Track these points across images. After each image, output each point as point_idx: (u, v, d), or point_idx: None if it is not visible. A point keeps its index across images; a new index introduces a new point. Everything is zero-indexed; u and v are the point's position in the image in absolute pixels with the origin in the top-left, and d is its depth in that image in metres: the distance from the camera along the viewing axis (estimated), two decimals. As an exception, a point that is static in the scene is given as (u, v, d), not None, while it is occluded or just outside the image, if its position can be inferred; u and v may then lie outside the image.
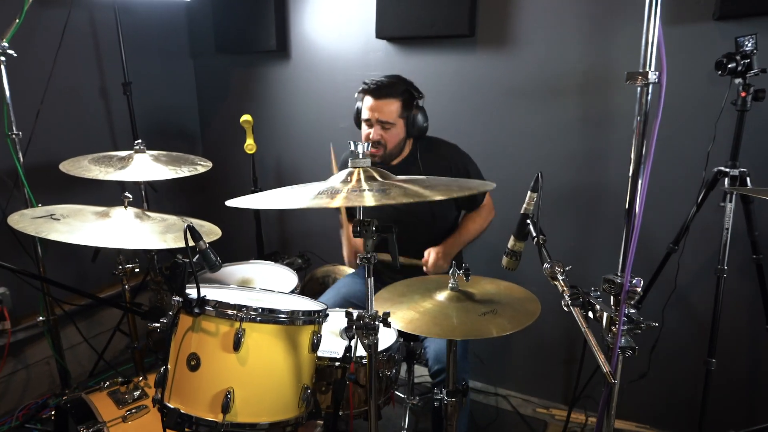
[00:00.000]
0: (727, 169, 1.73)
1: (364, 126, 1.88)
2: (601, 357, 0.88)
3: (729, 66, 1.64)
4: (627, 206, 0.83)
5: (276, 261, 2.29)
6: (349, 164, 1.09)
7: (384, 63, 2.52)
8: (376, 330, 1.08)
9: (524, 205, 1.17)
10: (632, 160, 0.81)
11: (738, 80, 1.66)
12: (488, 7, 2.23)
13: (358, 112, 1.92)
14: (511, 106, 2.28)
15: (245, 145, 2.63)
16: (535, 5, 2.15)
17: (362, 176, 1.06)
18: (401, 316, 1.24)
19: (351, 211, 2.13)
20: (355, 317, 1.10)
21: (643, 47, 0.78)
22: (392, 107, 1.79)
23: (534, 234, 1.12)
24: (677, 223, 1.90)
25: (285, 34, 2.76)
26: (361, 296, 1.99)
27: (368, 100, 1.81)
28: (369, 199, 0.97)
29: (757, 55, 1.63)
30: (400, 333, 1.61)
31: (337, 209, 2.14)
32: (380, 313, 1.10)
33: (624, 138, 2.05)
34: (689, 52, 1.91)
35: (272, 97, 2.90)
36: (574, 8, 2.09)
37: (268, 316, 1.19)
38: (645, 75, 0.76)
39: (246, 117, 2.57)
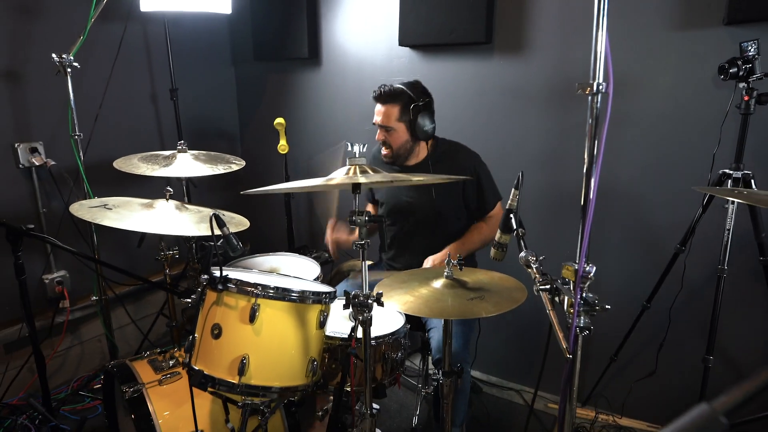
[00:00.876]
0: (731, 171, 1.76)
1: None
2: (560, 335, 0.99)
3: (731, 71, 1.68)
4: (582, 202, 0.93)
5: (304, 254, 2.47)
6: (347, 162, 1.25)
7: (407, 69, 2.67)
8: (369, 307, 1.23)
9: (509, 202, 1.29)
10: (585, 160, 0.92)
11: (742, 84, 1.70)
12: (504, 16, 2.34)
13: None
14: (525, 110, 2.37)
15: (278, 145, 2.84)
16: (548, 13, 2.24)
17: (357, 171, 1.23)
18: (399, 299, 1.38)
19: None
20: (351, 296, 1.25)
21: (592, 58, 0.89)
22: (391, 113, 1.94)
23: (514, 227, 1.24)
24: (685, 224, 1.94)
25: (316, 43, 2.95)
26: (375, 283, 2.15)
27: (376, 106, 1.99)
28: (360, 180, 1.18)
29: (760, 59, 1.66)
30: (408, 320, 1.74)
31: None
32: (374, 294, 1.24)
33: (632, 140, 2.12)
34: (698, 57, 1.95)
35: (304, 101, 3.10)
36: (587, 15, 2.15)
37: (281, 293, 1.36)
38: (592, 86, 0.87)
39: (279, 120, 2.77)
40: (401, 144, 1.98)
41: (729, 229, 1.77)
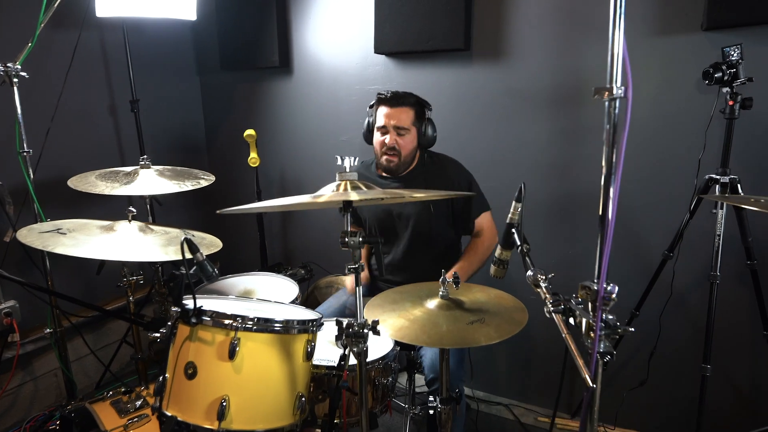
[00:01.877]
0: (718, 176, 1.75)
1: (377, 134, 1.95)
2: (580, 362, 0.91)
3: (716, 75, 1.67)
4: (600, 213, 0.86)
5: (279, 272, 2.33)
6: (337, 177, 1.14)
7: (383, 77, 2.58)
8: (365, 338, 1.11)
9: (509, 215, 1.20)
10: (603, 169, 0.84)
11: (726, 89, 1.69)
12: (482, 23, 2.29)
13: (369, 124, 1.99)
14: (506, 117, 2.32)
15: (249, 158, 2.70)
16: (527, 19, 2.20)
17: (348, 186, 1.12)
18: (391, 323, 1.27)
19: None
20: (344, 325, 1.13)
21: (609, 62, 0.82)
22: (407, 114, 1.90)
23: (518, 243, 1.16)
24: (672, 230, 1.92)
25: (287, 51, 2.83)
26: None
27: (384, 109, 1.90)
28: (353, 196, 1.09)
29: (743, 64, 1.65)
30: (397, 341, 1.64)
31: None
32: (369, 321, 1.13)
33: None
34: (679, 62, 1.94)
35: (275, 111, 2.97)
36: (564, 21, 2.13)
37: (263, 325, 1.23)
38: (611, 90, 0.80)
39: (249, 132, 2.64)
40: (410, 151, 1.93)
41: (719, 235, 1.75)
